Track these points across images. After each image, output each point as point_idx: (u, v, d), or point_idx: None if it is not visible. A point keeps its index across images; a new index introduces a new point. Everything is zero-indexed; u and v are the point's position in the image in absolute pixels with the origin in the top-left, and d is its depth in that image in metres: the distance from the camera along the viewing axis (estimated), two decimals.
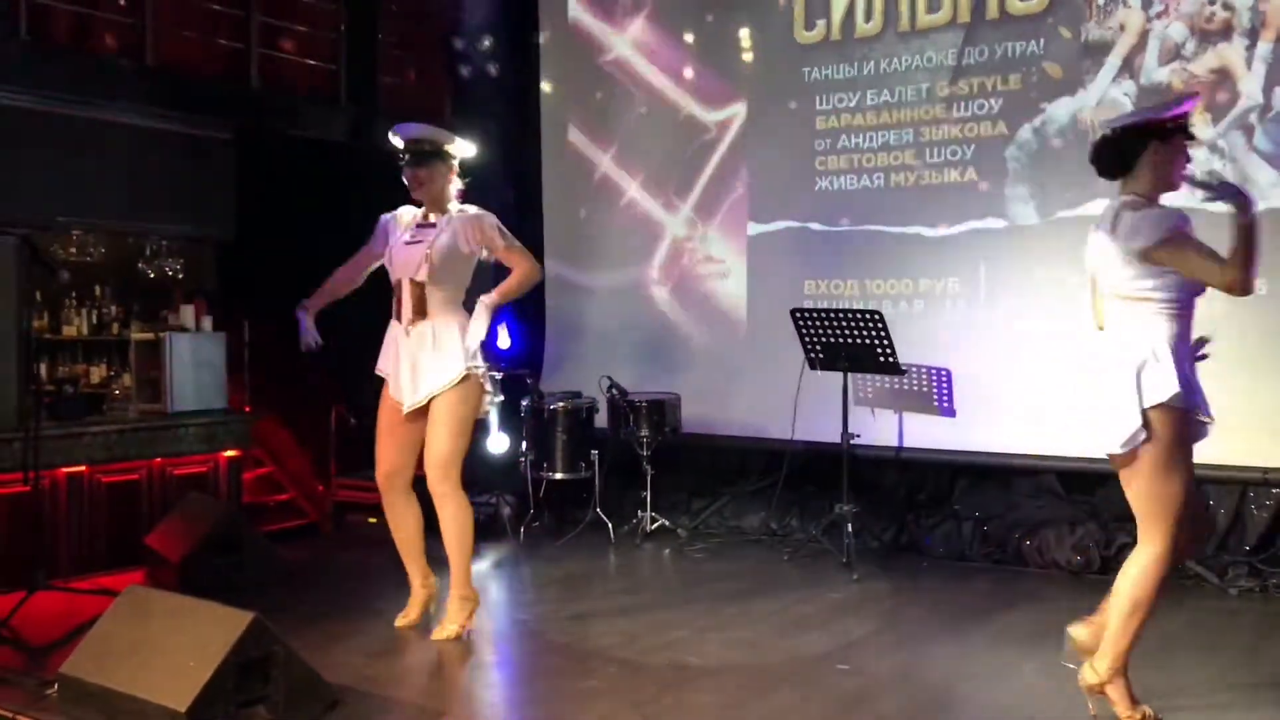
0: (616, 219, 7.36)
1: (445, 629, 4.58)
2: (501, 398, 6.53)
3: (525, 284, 4.67)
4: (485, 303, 4.55)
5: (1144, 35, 5.81)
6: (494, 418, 6.76)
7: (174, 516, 5.64)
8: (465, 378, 4.52)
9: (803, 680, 4.14)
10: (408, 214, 4.77)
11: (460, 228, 4.62)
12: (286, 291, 7.34)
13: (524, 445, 6.62)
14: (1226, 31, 5.62)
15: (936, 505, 6.34)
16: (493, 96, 7.72)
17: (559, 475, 6.52)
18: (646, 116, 7.24)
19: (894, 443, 6.25)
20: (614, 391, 6.51)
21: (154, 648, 3.52)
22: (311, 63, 7.96)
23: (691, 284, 7.11)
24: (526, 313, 7.59)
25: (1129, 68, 5.84)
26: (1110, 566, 5.64)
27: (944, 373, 6.14)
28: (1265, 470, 5.46)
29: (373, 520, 7.07)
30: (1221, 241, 3.46)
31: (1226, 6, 5.62)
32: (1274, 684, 4.12)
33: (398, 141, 4.68)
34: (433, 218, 4.68)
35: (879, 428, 6.24)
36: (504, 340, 7.43)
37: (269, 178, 7.23)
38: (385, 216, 4.81)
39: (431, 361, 4.54)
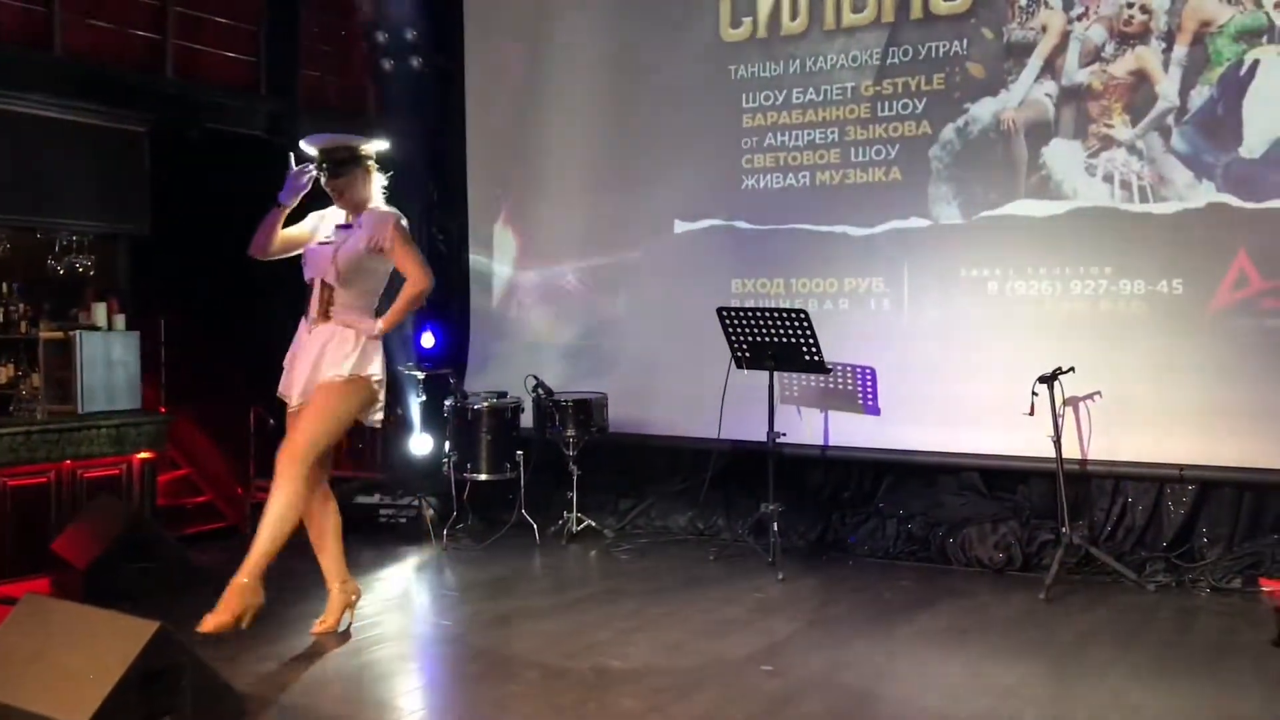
0: (543, 214, 7.28)
1: (324, 622, 4.64)
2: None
3: (415, 300, 4.60)
4: (373, 334, 4.50)
5: (1065, 36, 5.87)
6: (416, 418, 6.65)
7: (81, 521, 5.46)
8: (352, 379, 4.44)
9: (726, 682, 4.11)
10: (337, 214, 4.72)
11: (369, 227, 4.54)
12: (203, 289, 7.19)
13: (447, 446, 6.51)
14: (1144, 34, 5.70)
15: (861, 504, 6.36)
16: (416, 89, 7.60)
17: (483, 476, 6.43)
18: (573, 110, 7.17)
19: (820, 441, 6.26)
20: (540, 391, 6.43)
21: (53, 660, 3.38)
22: (230, 55, 7.76)
23: (619, 281, 7.05)
24: (450, 310, 7.48)
25: (1050, 68, 5.90)
26: (1032, 564, 5.71)
27: (869, 371, 6.16)
28: (1181, 467, 5.55)
29: None
30: None
31: (1144, 10, 5.70)
32: (1190, 674, 4.18)
33: (311, 152, 4.60)
34: (352, 219, 4.64)
35: (805, 427, 6.24)
36: (428, 339, 7.32)
37: (185, 172, 7.03)
38: (314, 215, 4.75)
39: (323, 361, 4.48)
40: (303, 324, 4.64)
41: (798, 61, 6.51)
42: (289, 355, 4.66)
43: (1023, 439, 5.72)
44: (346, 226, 4.62)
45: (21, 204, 6.36)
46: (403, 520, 6.60)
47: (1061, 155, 5.87)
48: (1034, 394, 5.45)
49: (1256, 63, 5.47)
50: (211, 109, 7.46)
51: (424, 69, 7.60)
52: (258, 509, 7.07)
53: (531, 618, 4.97)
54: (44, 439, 6.03)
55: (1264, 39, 5.45)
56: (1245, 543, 5.55)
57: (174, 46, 7.35)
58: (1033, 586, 5.33)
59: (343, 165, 4.56)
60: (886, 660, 4.38)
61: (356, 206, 4.63)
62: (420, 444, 6.85)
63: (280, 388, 4.66)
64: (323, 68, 8.05)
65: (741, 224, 6.66)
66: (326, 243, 4.60)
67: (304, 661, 4.32)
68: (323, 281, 4.54)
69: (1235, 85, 5.51)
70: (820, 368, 5.75)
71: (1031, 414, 5.46)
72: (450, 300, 7.49)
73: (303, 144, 4.65)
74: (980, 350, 5.99)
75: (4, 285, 6.77)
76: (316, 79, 7.96)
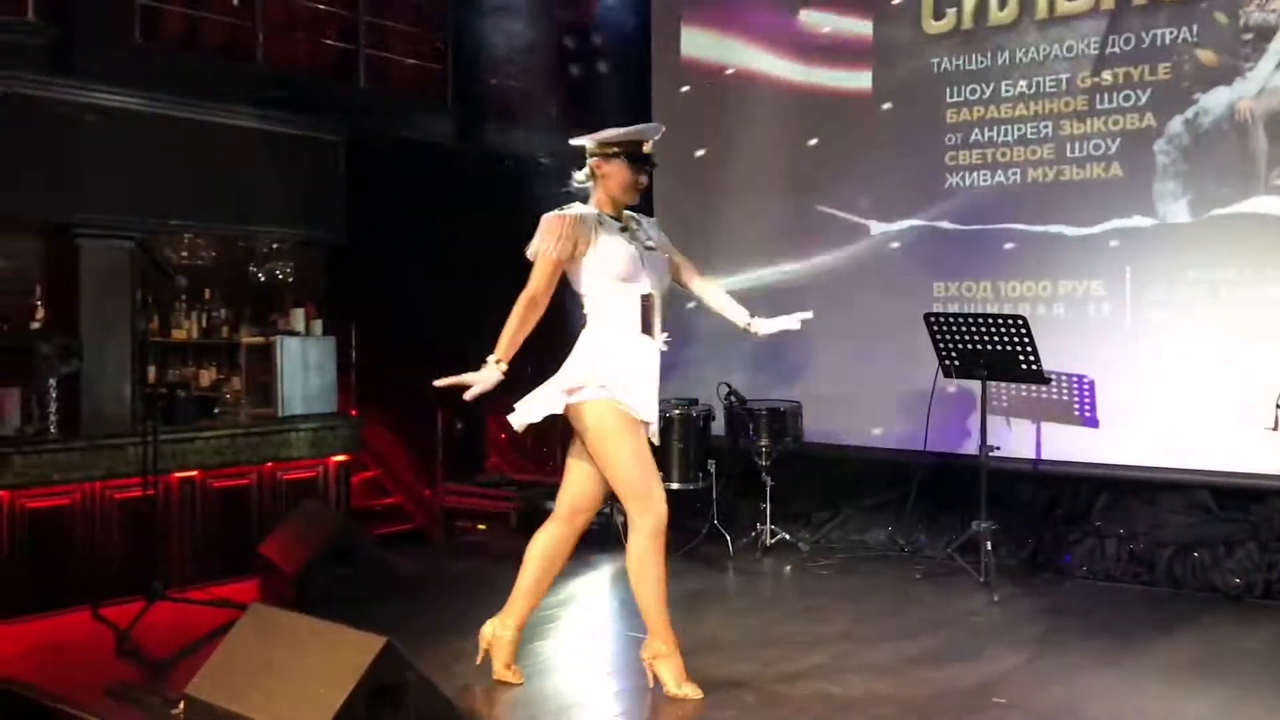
0: (732, 217, 7.09)
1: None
2: None
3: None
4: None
5: None
6: None
7: (288, 525, 5.53)
8: None
9: (958, 714, 3.85)
10: (592, 214, 4.10)
11: (655, 229, 4.24)
12: (393, 295, 7.27)
13: None
14: None
15: (1077, 521, 5.97)
16: (603, 94, 7.53)
17: (675, 485, 6.27)
18: (762, 109, 6.97)
19: (1031, 455, 5.91)
20: (732, 399, 6.26)
21: (282, 671, 3.37)
22: (418, 63, 7.84)
23: (812, 287, 6.81)
24: None
25: None
26: (1273, 591, 5.27)
27: (1086, 381, 5.79)
28: None
29: (482, 527, 6.95)
30: None
31: None
32: None
33: (651, 142, 4.17)
34: (620, 220, 4.15)
35: (1014, 439, 5.90)
36: None
37: (377, 180, 7.11)
38: (571, 213, 4.04)
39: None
40: (638, 339, 4.07)
41: (1006, 53, 6.16)
42: (625, 370, 4.02)
43: (1259, 455, 5.27)
44: (625, 229, 4.15)
45: (223, 212, 6.53)
46: (593, 527, 6.48)
47: None
48: (1278, 407, 4.99)
49: None
50: (401, 117, 7.55)
51: (610, 73, 7.53)
52: (446, 514, 7.16)
53: (736, 637, 4.80)
54: (247, 442, 6.17)
55: None
56: None
57: (365, 56, 7.46)
58: (1277, 616, 4.90)
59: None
60: (1131, 695, 4.05)
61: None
62: None
63: (636, 407, 4.04)
64: (509, 74, 8.07)
65: (945, 224, 6.34)
66: (652, 249, 4.15)
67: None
68: (655, 294, 4.09)
69: None
70: (1039, 377, 5.41)
71: (1276, 429, 5.01)
72: None
73: (650, 132, 4.20)
74: (1210, 359, 5.54)
75: (207, 292, 6.97)
76: (503, 86, 7.97)
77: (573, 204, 4.14)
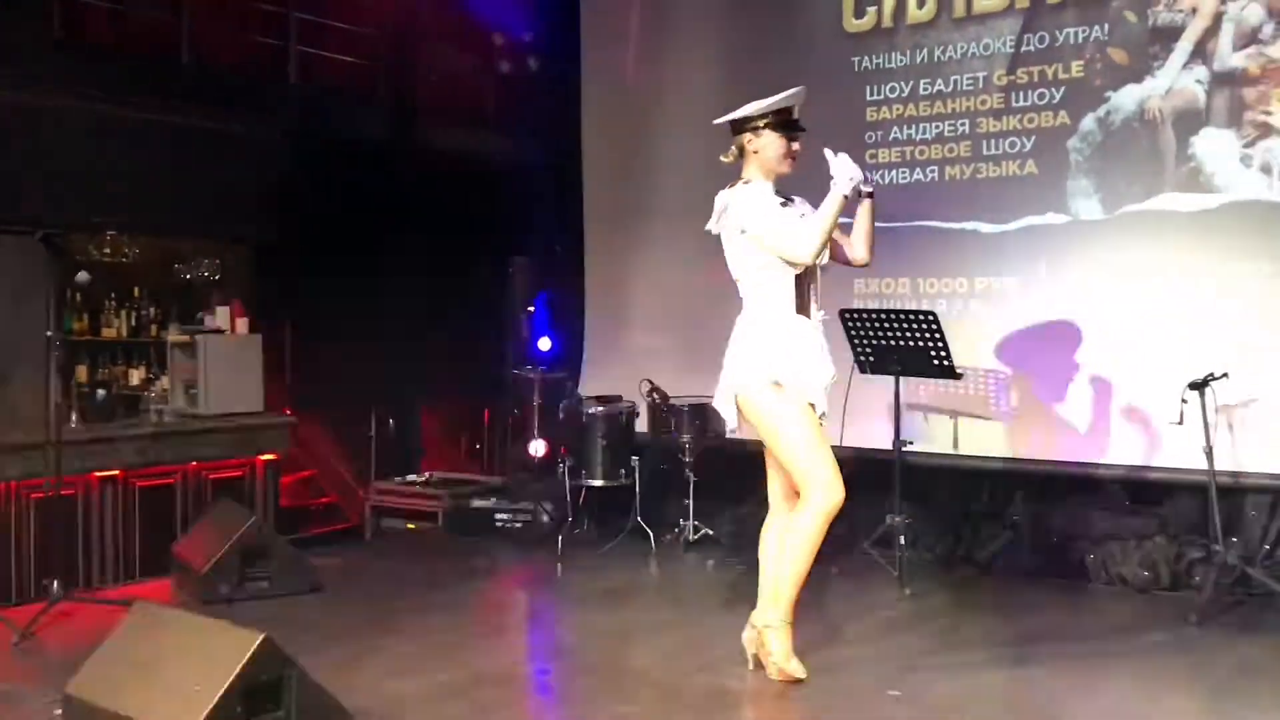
0: (659, 213, 7.11)
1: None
2: None
3: None
4: None
5: (1218, 18, 5.46)
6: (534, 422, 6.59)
7: (203, 524, 5.51)
8: None
9: (851, 708, 3.89)
10: (770, 187, 4.04)
11: (807, 208, 4.10)
12: (330, 293, 7.27)
13: (562, 451, 6.42)
14: None
15: (994, 516, 6.03)
16: (534, 91, 7.54)
17: (598, 482, 6.31)
18: (690, 106, 6.99)
19: (949, 450, 5.96)
20: (654, 395, 6.28)
21: (161, 668, 3.35)
22: (351, 60, 7.82)
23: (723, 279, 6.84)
24: (568, 314, 7.39)
25: (1201, 53, 5.50)
26: (1180, 583, 5.34)
27: (1003, 376, 5.84)
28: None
29: (411, 526, 6.95)
30: None
31: None
32: None
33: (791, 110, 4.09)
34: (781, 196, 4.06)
35: (933, 434, 5.96)
36: (545, 343, 7.24)
37: (309, 177, 7.10)
38: (765, 187, 4.02)
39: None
40: (803, 321, 4.00)
41: (925, 51, 6.22)
42: (796, 351, 3.93)
43: (1170, 450, 5.35)
44: (788, 201, 4.10)
45: (149, 210, 6.50)
46: (518, 525, 6.54)
47: (1213, 145, 5.46)
48: (1183, 401, 5.05)
49: None
50: (333, 114, 7.53)
51: (541, 71, 7.54)
52: (376, 513, 7.15)
53: (648, 631, 4.82)
54: (171, 441, 6.14)
55: None
56: None
57: (297, 53, 7.44)
58: (1182, 608, 4.96)
59: None
60: (1024, 688, 4.09)
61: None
62: (537, 449, 6.78)
63: (806, 387, 3.93)
64: (441, 71, 8.07)
65: None
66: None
67: (412, 674, 4.22)
68: (818, 265, 4.03)
69: None
70: (950, 373, 5.45)
71: (1181, 423, 5.08)
72: (568, 304, 7.40)
73: (798, 98, 4.13)
74: (1123, 354, 5.62)
75: (135, 290, 6.94)
76: (435, 83, 7.97)
77: (744, 182, 4.06)
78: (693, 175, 7.02)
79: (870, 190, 4.16)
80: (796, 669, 3.97)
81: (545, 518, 6.46)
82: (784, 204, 4.07)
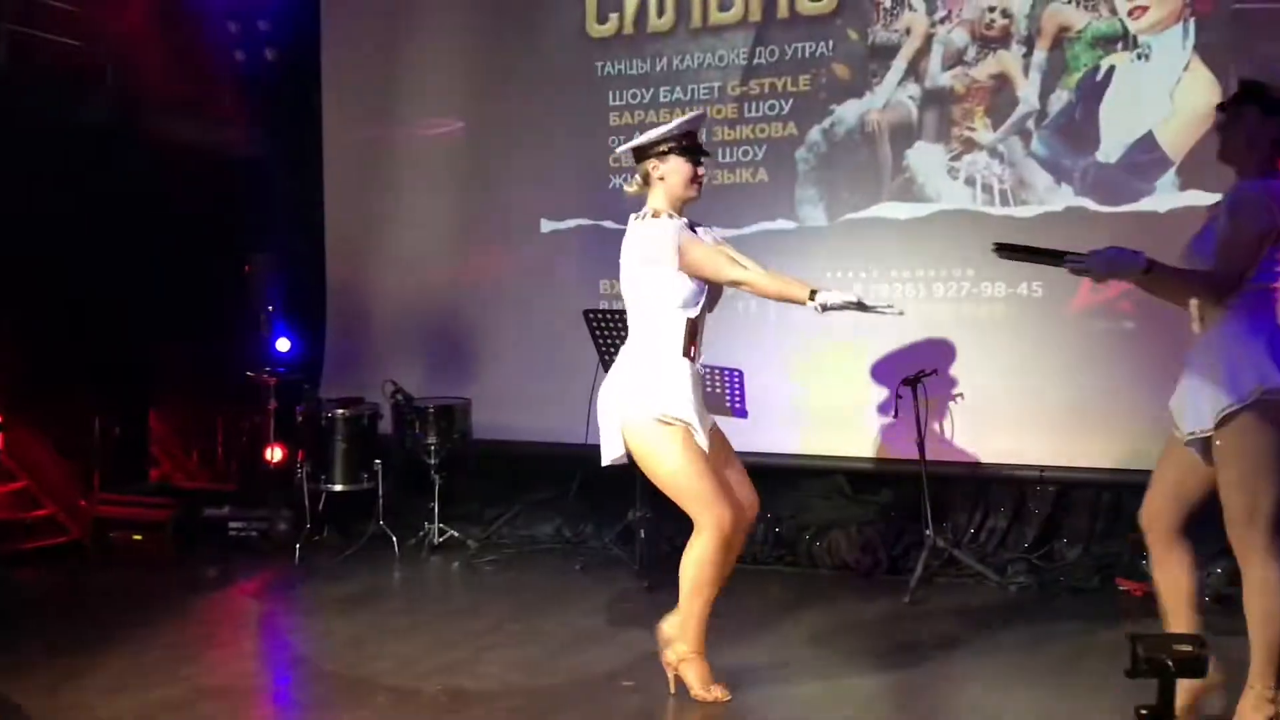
0: (403, 215, 7.02)
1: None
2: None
3: None
4: None
5: (928, 39, 5.87)
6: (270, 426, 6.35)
7: None
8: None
9: (585, 700, 3.96)
10: (683, 222, 3.97)
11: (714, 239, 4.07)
12: (46, 294, 6.76)
13: (300, 455, 6.22)
14: (1005, 39, 5.73)
15: None
16: (271, 83, 7.27)
17: (339, 487, 6.16)
18: (434, 106, 6.94)
19: None
20: (398, 397, 6.19)
21: None
22: (71, 42, 7.31)
23: (483, 284, 6.84)
24: (305, 313, 7.18)
25: (914, 71, 5.89)
26: (898, 567, 5.70)
27: (736, 374, 6.05)
28: (1042, 469, 5.60)
29: (138, 537, 6.56)
30: None
31: (1005, 14, 5.73)
32: (1050, 674, 4.17)
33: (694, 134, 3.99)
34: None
35: None
36: (283, 344, 7.00)
37: (22, 167, 6.59)
38: (681, 223, 3.95)
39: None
40: (682, 359, 3.94)
41: (664, 60, 6.39)
42: (684, 390, 3.89)
43: (887, 442, 5.72)
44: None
45: None
46: (253, 534, 6.29)
47: (925, 158, 5.87)
48: (898, 396, 5.44)
49: (1112, 69, 5.54)
50: (52, 101, 7.02)
51: (279, 62, 7.28)
52: (99, 523, 6.71)
53: (386, 636, 4.74)
54: None
55: (1119, 46, 5.52)
56: (1103, 542, 5.63)
57: (8, 32, 6.90)
58: (899, 590, 5.31)
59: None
60: (748, 671, 4.26)
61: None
62: (273, 454, 6.54)
63: (691, 423, 3.90)
64: (171, 58, 7.65)
65: (610, 224, 6.50)
66: None
67: (129, 691, 3.99)
68: (702, 314, 4.01)
69: (1093, 91, 5.57)
70: None
71: (896, 416, 5.46)
72: (307, 304, 7.18)
73: (697, 124, 4.08)
74: (846, 352, 5.95)
75: None
76: (161, 69, 7.55)
77: (653, 211, 3.97)
78: (435, 174, 6.99)
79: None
80: (719, 694, 3.91)
81: (282, 525, 6.24)
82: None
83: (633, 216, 4.06)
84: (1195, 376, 3.41)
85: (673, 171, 3.94)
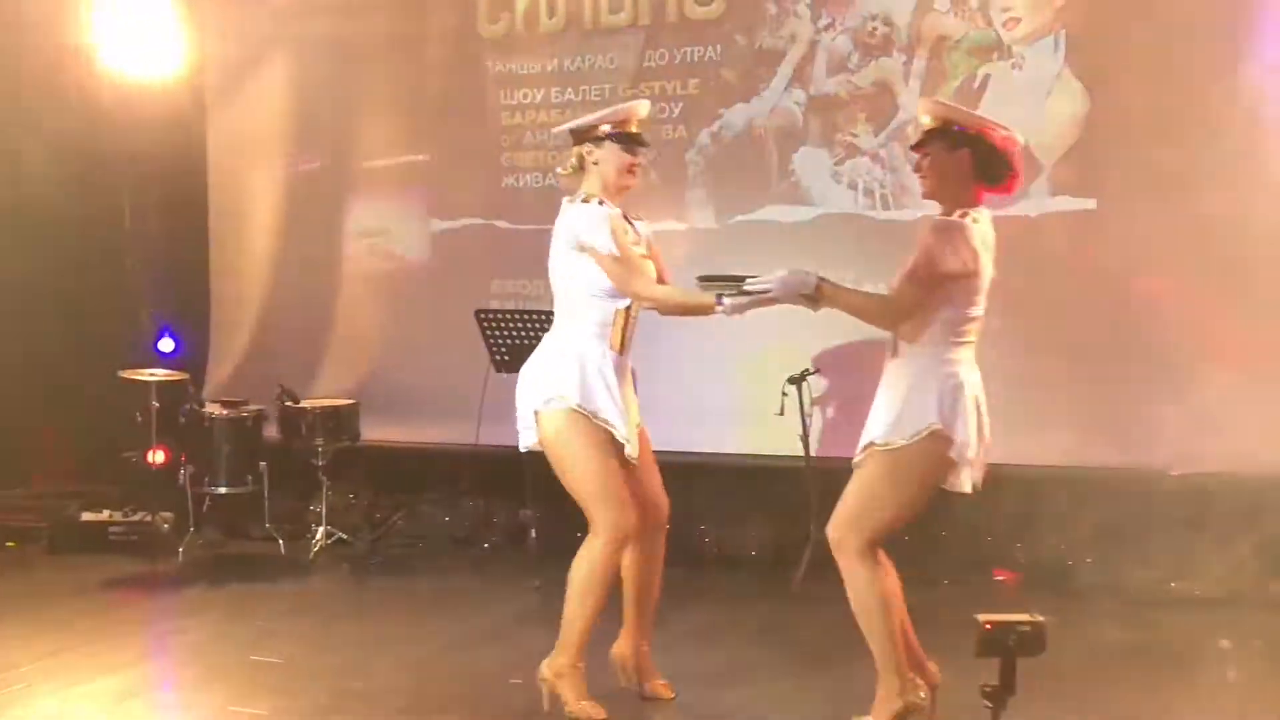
0: (291, 213, 6.92)
1: None
2: None
3: None
4: None
5: (813, 46, 6.00)
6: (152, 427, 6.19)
7: None
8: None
9: (472, 699, 3.98)
10: (616, 212, 3.86)
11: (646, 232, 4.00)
12: None
13: (183, 457, 6.08)
14: (886, 47, 5.89)
15: None
16: (152, 81, 7.08)
17: (223, 489, 6.04)
18: (319, 103, 6.86)
19: None
20: (284, 398, 6.09)
21: None
22: None
23: (373, 283, 6.78)
24: (190, 314, 7.02)
25: (800, 77, 6.02)
26: (785, 559, 5.81)
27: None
28: None
29: (11, 544, 6.36)
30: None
31: (886, 23, 5.89)
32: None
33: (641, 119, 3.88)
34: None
35: None
36: (166, 344, 6.84)
37: None
38: (613, 212, 3.84)
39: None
40: (610, 351, 3.87)
41: (556, 60, 6.42)
42: (607, 383, 3.80)
43: (775, 438, 5.82)
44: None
45: None
46: (134, 538, 6.13)
47: (810, 162, 6.00)
48: (784, 394, 5.55)
49: (988, 77, 5.75)
50: None
51: (161, 60, 7.09)
52: None
53: (273, 639, 4.68)
54: None
55: (994, 55, 5.72)
56: (987, 534, 5.81)
57: None
58: (785, 583, 5.41)
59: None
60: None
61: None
62: (156, 456, 6.37)
63: (610, 418, 3.79)
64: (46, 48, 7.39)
65: (501, 223, 6.52)
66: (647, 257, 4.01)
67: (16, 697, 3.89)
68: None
69: (969, 98, 5.75)
70: None
71: (781, 414, 5.56)
72: (190, 303, 7.04)
73: (638, 108, 3.93)
74: (735, 351, 6.05)
75: None
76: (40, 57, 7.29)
77: (585, 196, 3.85)
78: (317, 173, 6.89)
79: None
80: (593, 711, 3.76)
81: (164, 527, 6.10)
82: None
83: (565, 199, 3.94)
84: (879, 399, 3.57)
85: (606, 159, 3.82)
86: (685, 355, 6.13)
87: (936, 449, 3.43)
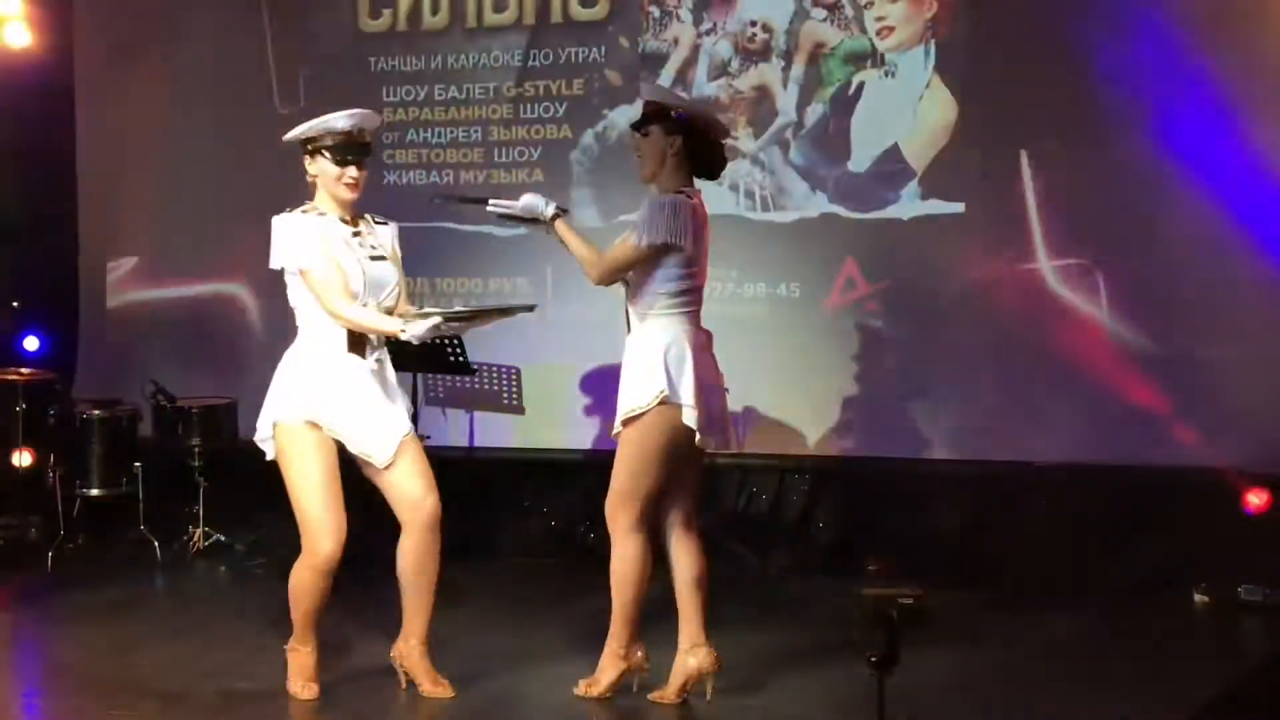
0: (164, 209, 6.77)
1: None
2: None
3: None
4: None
5: (695, 50, 6.14)
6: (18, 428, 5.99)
7: None
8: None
9: (359, 697, 3.97)
10: (317, 218, 3.82)
11: (391, 241, 4.01)
12: None
13: (52, 459, 5.89)
14: (766, 52, 6.07)
15: (508, 503, 6.35)
16: (19, 66, 6.84)
17: (95, 491, 5.88)
18: (198, 98, 6.72)
19: (465, 442, 6.21)
20: (159, 397, 5.95)
21: None
22: None
23: (248, 279, 6.67)
24: (59, 312, 6.80)
25: (682, 80, 6.15)
26: (662, 553, 5.91)
27: (513, 371, 6.18)
28: (799, 458, 5.96)
29: None
30: None
31: (766, 29, 6.06)
32: (817, 650, 4.46)
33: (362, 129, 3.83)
34: (351, 223, 3.90)
35: (450, 428, 6.18)
36: (31, 342, 6.62)
37: None
38: (306, 216, 3.80)
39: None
40: (348, 356, 3.80)
41: (439, 58, 6.43)
42: (340, 392, 3.76)
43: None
44: (358, 233, 3.96)
45: None
46: (0, 543, 5.91)
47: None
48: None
49: (862, 84, 5.96)
50: None
51: (35, 43, 6.85)
52: None
53: (153, 641, 4.60)
54: None
55: (868, 63, 5.94)
56: (857, 527, 6.02)
57: None
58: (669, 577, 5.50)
59: (369, 150, 3.99)
60: (523, 658, 4.38)
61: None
62: (21, 457, 6.16)
63: (340, 429, 3.79)
64: None
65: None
66: (380, 257, 3.97)
67: None
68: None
69: (844, 104, 5.98)
70: (465, 369, 5.70)
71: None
72: (59, 301, 6.81)
73: (348, 119, 3.85)
74: (621, 350, 6.12)
75: None
76: None
77: (304, 208, 3.84)
78: (195, 167, 6.76)
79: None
80: (304, 691, 3.89)
81: (32, 532, 5.90)
82: (355, 234, 3.86)
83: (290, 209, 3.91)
84: (622, 374, 3.84)
85: (321, 171, 3.81)
86: (571, 355, 6.20)
87: (671, 414, 3.68)
